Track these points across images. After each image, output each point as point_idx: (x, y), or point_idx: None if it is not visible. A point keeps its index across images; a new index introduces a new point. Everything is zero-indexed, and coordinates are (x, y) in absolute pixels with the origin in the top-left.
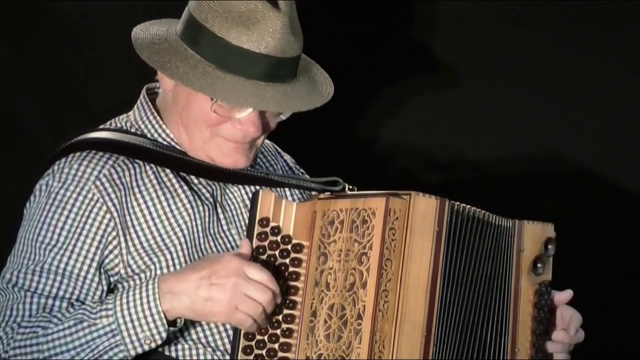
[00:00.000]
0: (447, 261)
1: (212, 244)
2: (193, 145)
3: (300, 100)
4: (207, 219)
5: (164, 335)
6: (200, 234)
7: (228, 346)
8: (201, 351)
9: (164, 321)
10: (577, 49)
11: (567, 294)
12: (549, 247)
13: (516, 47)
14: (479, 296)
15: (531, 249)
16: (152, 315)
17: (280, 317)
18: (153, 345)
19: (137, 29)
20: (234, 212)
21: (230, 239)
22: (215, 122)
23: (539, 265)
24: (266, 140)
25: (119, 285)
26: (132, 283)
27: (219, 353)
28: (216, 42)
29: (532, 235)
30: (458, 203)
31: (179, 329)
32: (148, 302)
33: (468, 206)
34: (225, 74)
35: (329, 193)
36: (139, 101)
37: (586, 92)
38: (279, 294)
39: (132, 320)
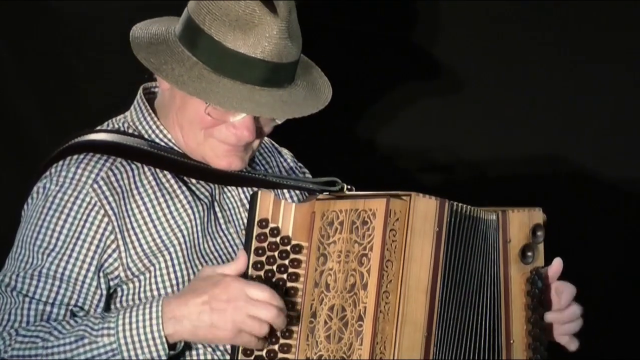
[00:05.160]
0: (447, 261)
1: (210, 243)
2: (188, 147)
3: (296, 106)
4: (205, 219)
5: (164, 358)
6: (200, 234)
7: (227, 346)
8: (201, 351)
9: (165, 345)
10: (577, 50)
11: (557, 264)
12: (538, 233)
13: (515, 48)
14: (472, 294)
15: (518, 238)
16: (154, 338)
17: None
18: None
19: (136, 27)
20: (232, 212)
21: (229, 237)
22: (210, 125)
23: (528, 254)
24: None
25: (119, 289)
26: (131, 285)
27: (218, 353)
28: (213, 45)
29: (519, 224)
30: (457, 203)
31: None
32: (151, 325)
33: (467, 206)
34: (221, 78)
35: (328, 193)
36: (135, 101)
37: (585, 93)
38: (284, 309)
39: (133, 342)
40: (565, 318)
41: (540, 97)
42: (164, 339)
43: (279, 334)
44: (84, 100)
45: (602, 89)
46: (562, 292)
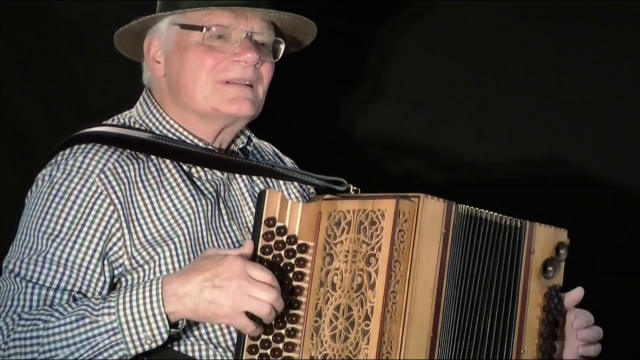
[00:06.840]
0: (454, 263)
1: (214, 237)
2: (197, 103)
3: (285, 13)
4: (209, 213)
5: (165, 336)
6: (203, 227)
7: (230, 343)
8: (203, 347)
9: (166, 322)
10: (578, 51)
11: (578, 292)
12: (561, 251)
13: (519, 48)
14: (485, 296)
15: (542, 252)
16: (154, 315)
17: (285, 317)
18: (154, 345)
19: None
20: (236, 209)
21: (232, 234)
22: (212, 64)
23: (549, 268)
24: (265, 143)
25: (123, 278)
26: (135, 275)
27: (220, 350)
28: None
29: (544, 238)
30: (464, 206)
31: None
32: (151, 302)
33: (473, 208)
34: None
35: (334, 194)
36: (141, 98)
37: (588, 94)
38: (282, 293)
39: (134, 320)
40: (584, 342)
41: (544, 99)
42: (165, 316)
43: (283, 332)
44: (84, 100)
45: (604, 89)
46: (578, 320)
